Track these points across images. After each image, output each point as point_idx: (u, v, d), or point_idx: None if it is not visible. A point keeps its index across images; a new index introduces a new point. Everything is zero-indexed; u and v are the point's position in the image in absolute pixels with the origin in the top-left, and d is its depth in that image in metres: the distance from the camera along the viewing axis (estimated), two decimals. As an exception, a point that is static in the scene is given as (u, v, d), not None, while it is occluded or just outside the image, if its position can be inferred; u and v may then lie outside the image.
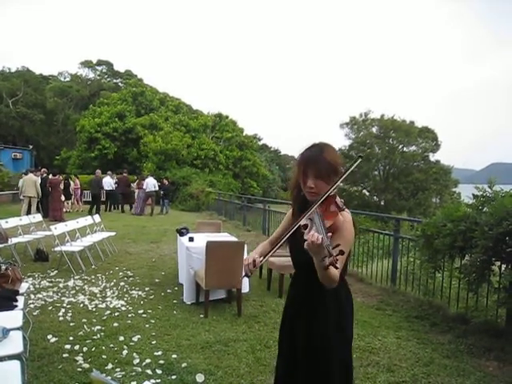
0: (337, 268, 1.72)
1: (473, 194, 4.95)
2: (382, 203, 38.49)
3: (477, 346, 4.38)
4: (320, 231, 1.77)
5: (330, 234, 1.75)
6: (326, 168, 1.99)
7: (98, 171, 18.91)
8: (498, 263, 4.60)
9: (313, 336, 2.09)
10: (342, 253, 1.69)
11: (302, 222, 1.89)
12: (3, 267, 4.52)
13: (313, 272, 1.90)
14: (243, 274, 2.06)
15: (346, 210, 2.07)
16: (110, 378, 3.46)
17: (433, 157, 39.90)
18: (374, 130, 40.59)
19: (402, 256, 6.75)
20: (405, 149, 39.78)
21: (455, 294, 5.34)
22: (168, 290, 6.29)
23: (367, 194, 41.34)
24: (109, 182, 19.16)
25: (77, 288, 6.31)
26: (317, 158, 2.00)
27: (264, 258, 2.04)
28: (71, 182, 18.53)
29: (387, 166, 39.89)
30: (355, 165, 2.06)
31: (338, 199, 2.02)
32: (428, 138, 39.32)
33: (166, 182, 19.90)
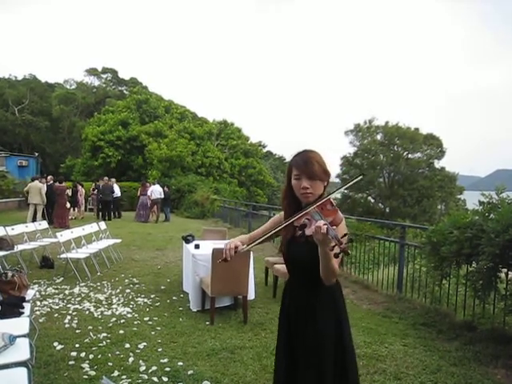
0: (337, 257, 1.84)
1: (479, 201, 4.93)
2: (387, 210, 38.41)
3: (484, 353, 4.35)
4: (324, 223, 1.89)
5: (334, 227, 1.88)
6: (317, 168, 2.13)
7: (106, 178, 19.14)
8: (505, 270, 4.58)
9: (312, 337, 2.20)
10: (351, 241, 1.85)
11: (300, 220, 2.01)
12: (10, 274, 4.54)
13: (311, 274, 2.13)
14: (223, 257, 2.13)
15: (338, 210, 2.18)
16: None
17: (438, 164, 39.94)
18: (379, 137, 40.60)
19: (408, 263, 6.73)
20: (409, 156, 39.76)
21: (461, 301, 5.32)
22: (174, 297, 6.29)
23: (372, 200, 41.30)
24: (118, 189, 19.35)
25: (82, 295, 6.32)
26: (307, 160, 2.15)
27: (248, 245, 2.17)
28: (80, 188, 18.66)
29: (392, 173, 39.86)
30: (354, 181, 2.21)
31: (332, 200, 2.11)
32: (433, 144, 39.31)
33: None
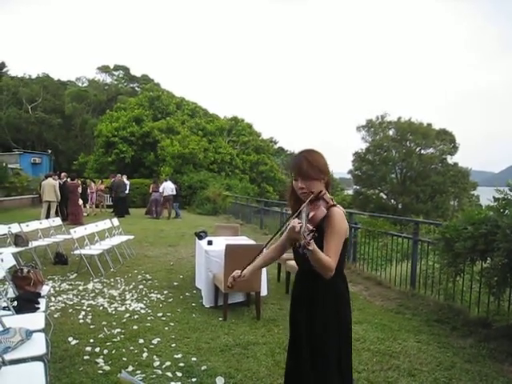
0: (309, 250, 1.94)
1: (494, 197, 4.88)
2: (400, 206, 38.18)
3: (499, 350, 4.32)
4: (303, 221, 2.01)
5: (309, 226, 1.98)
6: (307, 168, 2.23)
7: (118, 175, 19.25)
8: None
9: (314, 324, 2.32)
10: (312, 232, 1.93)
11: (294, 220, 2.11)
12: (25, 270, 4.59)
13: (312, 268, 2.15)
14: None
15: (338, 206, 2.30)
16: (138, 378, 3.49)
17: (451, 159, 39.61)
18: (391, 132, 40.34)
19: (421, 259, 6.69)
20: (422, 151, 39.48)
21: (475, 298, 5.28)
22: (187, 293, 6.32)
23: (384, 197, 41.07)
24: (128, 186, 19.49)
25: (96, 291, 6.37)
26: (300, 162, 2.26)
27: (241, 272, 2.69)
28: (92, 186, 18.85)
29: (404, 169, 39.61)
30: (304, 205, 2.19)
31: (326, 196, 2.25)
32: (446, 140, 39.00)
33: None
